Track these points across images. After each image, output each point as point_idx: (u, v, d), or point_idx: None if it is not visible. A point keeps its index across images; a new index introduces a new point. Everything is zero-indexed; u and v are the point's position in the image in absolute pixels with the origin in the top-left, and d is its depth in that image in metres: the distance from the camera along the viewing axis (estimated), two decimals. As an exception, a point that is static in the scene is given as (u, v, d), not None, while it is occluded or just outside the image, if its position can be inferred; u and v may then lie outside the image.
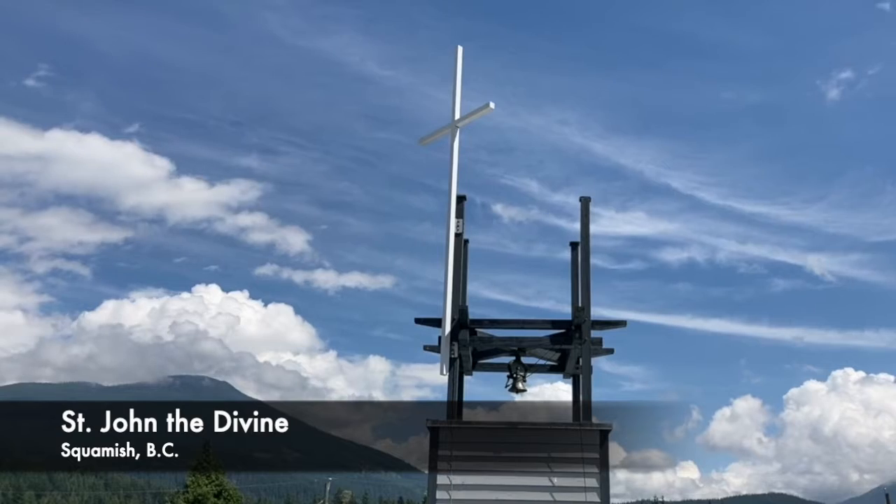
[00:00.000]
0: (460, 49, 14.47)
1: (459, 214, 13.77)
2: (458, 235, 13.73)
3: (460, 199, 13.81)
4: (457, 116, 14.18)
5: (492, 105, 13.94)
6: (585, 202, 13.81)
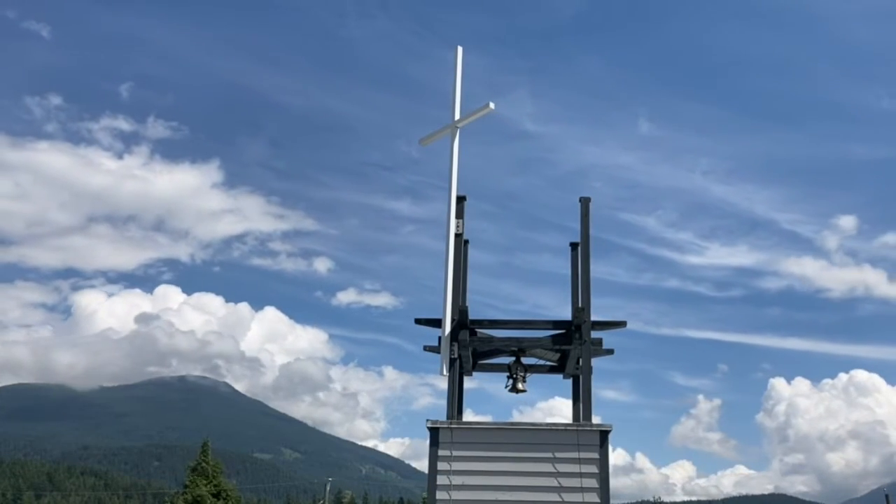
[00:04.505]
0: (460, 49, 14.49)
1: (459, 215, 13.78)
2: (458, 236, 13.73)
3: (460, 199, 13.81)
4: (456, 117, 14.22)
5: (491, 105, 13.94)
6: (585, 202, 13.78)
